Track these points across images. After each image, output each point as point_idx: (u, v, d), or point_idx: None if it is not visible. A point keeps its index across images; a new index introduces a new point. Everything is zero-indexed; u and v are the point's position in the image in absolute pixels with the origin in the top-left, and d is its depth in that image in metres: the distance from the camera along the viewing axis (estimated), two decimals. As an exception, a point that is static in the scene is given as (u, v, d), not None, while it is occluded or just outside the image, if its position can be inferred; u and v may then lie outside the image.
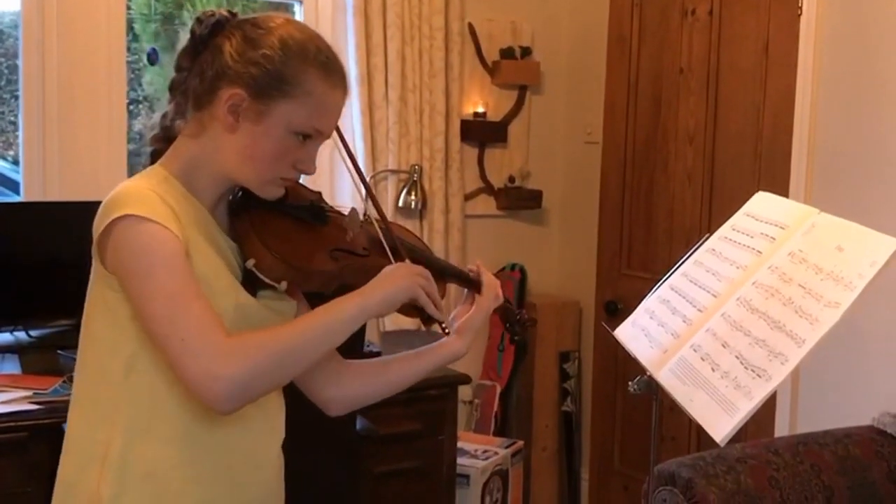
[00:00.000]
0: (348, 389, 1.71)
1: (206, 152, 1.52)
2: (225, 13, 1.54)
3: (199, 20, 1.53)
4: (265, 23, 1.52)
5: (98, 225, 1.45)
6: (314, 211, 1.63)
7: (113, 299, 1.46)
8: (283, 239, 1.55)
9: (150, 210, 1.42)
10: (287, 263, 1.53)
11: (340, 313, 1.48)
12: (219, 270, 1.50)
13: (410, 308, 1.62)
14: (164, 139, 1.58)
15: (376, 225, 1.67)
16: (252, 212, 1.55)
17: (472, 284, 1.77)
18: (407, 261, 1.63)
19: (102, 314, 1.49)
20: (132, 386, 1.47)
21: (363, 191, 1.74)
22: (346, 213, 1.69)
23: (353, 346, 2.16)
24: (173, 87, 1.56)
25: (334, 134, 1.60)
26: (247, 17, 1.55)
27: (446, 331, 1.66)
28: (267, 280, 1.53)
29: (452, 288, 1.89)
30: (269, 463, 1.62)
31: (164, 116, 1.58)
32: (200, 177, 1.53)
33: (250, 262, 1.52)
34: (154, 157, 1.59)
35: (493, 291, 1.76)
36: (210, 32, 1.52)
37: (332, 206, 1.70)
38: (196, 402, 1.45)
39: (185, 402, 1.47)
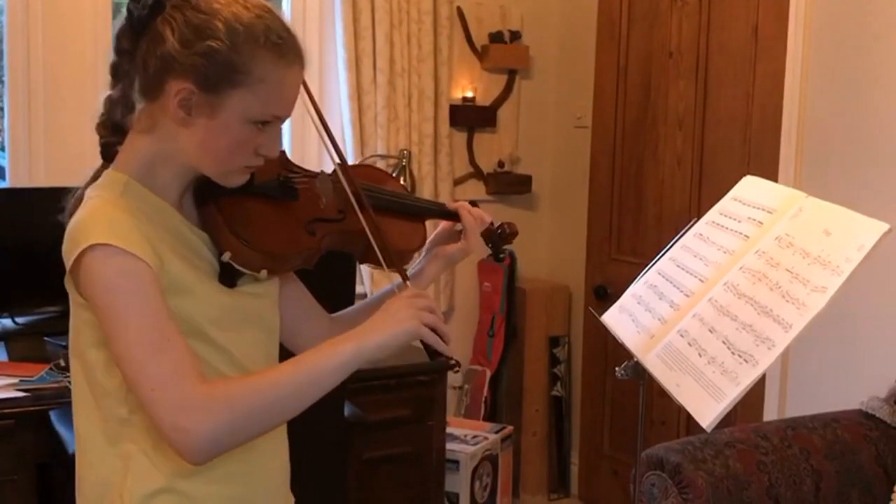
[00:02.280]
0: None
1: (163, 147, 1.43)
2: None
3: None
4: (208, 3, 1.39)
5: (68, 254, 1.37)
6: (283, 186, 1.56)
7: (97, 323, 1.39)
8: (255, 225, 1.49)
9: (119, 236, 1.34)
10: (263, 252, 1.47)
11: (335, 359, 1.39)
12: (195, 280, 1.44)
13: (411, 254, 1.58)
14: (112, 129, 1.49)
15: (346, 186, 1.56)
16: (219, 199, 1.48)
17: (452, 216, 1.73)
18: (409, 287, 1.53)
19: (90, 336, 1.43)
20: (135, 402, 1.41)
21: (331, 145, 1.63)
22: (315, 174, 1.61)
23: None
24: (116, 73, 1.45)
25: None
26: None
27: (456, 369, 1.59)
28: (246, 271, 1.48)
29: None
30: (282, 449, 1.61)
31: (109, 101, 1.48)
32: (161, 174, 1.45)
33: (226, 256, 1.46)
34: (104, 150, 1.50)
35: (474, 224, 1.72)
36: (149, 13, 1.40)
37: (300, 170, 1.61)
38: None
39: None
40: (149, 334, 1.32)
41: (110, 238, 1.33)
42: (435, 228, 1.79)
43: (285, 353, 1.60)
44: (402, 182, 3.89)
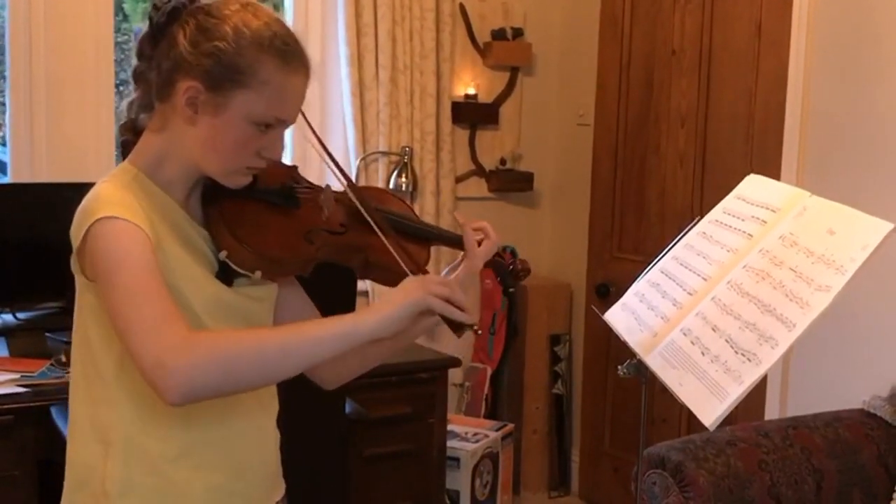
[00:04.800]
0: (346, 364, 1.67)
1: (171, 146, 1.50)
2: None
3: (155, 6, 1.50)
4: (219, 10, 1.48)
5: (75, 236, 1.44)
6: (286, 194, 1.60)
7: (98, 303, 1.45)
8: (254, 228, 1.53)
9: (120, 210, 1.41)
10: (258, 254, 1.51)
11: (327, 328, 1.41)
12: (192, 267, 1.49)
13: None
14: (133, 130, 1.56)
15: (355, 200, 1.60)
16: (222, 201, 1.53)
17: (456, 241, 1.73)
18: (416, 275, 1.53)
19: (91, 316, 1.48)
20: (126, 382, 1.47)
21: (334, 166, 1.66)
22: (321, 188, 1.65)
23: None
24: (136, 76, 1.54)
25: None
26: (203, 3, 1.50)
27: (478, 332, 1.57)
28: (241, 271, 1.52)
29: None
30: (267, 440, 1.63)
31: (130, 105, 1.56)
32: (168, 171, 1.51)
33: (223, 254, 1.51)
34: (125, 148, 1.57)
35: (478, 251, 1.70)
36: (167, 20, 1.48)
37: (307, 183, 1.66)
38: None
39: None
40: (138, 286, 1.37)
41: (113, 211, 1.41)
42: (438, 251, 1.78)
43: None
44: (405, 177, 3.89)
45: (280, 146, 1.53)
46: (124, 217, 1.40)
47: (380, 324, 1.41)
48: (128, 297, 1.37)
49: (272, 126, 1.49)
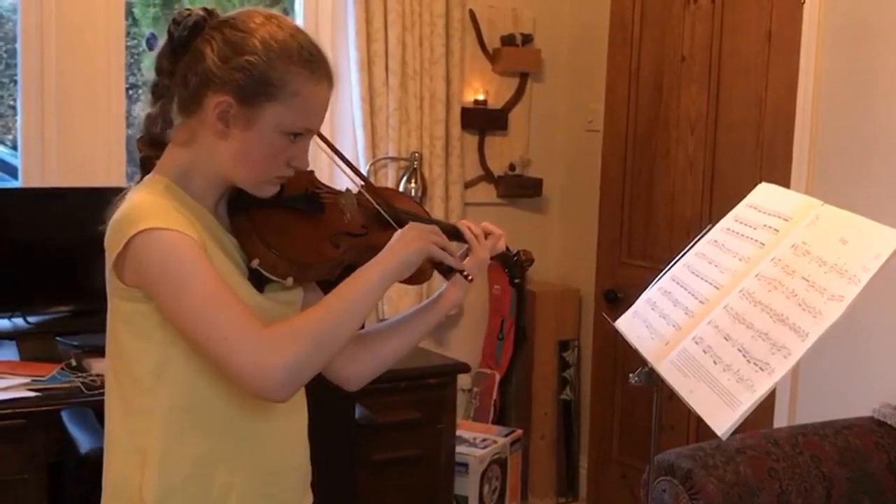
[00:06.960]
0: (364, 363, 1.71)
1: (200, 159, 1.52)
2: (202, 12, 1.50)
3: (175, 21, 1.51)
4: (245, 24, 1.50)
5: (113, 244, 1.45)
6: (310, 200, 1.64)
7: (132, 311, 1.47)
8: (283, 235, 1.56)
9: (165, 220, 1.43)
10: (290, 261, 1.54)
11: (365, 285, 1.50)
12: (230, 272, 1.51)
13: (427, 267, 1.65)
14: (151, 144, 1.57)
15: (373, 202, 1.67)
16: (250, 209, 1.56)
17: (457, 235, 1.76)
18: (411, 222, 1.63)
19: (124, 326, 1.50)
20: (164, 391, 1.49)
21: (347, 168, 1.71)
22: (339, 192, 1.69)
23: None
24: (156, 91, 1.54)
25: None
26: (225, 16, 1.52)
27: (468, 278, 1.67)
28: (273, 278, 1.55)
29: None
30: (298, 444, 1.65)
31: (149, 118, 1.56)
32: (198, 182, 1.53)
33: (255, 262, 1.54)
34: (143, 165, 1.58)
35: (484, 242, 1.73)
36: (189, 35, 1.50)
37: (326, 187, 1.69)
38: (226, 397, 1.49)
39: (216, 398, 1.50)
40: (211, 291, 1.41)
41: (156, 222, 1.43)
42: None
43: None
44: (414, 183, 3.90)
45: (307, 155, 1.56)
46: (171, 227, 1.42)
47: (401, 264, 1.54)
48: (203, 308, 1.40)
49: (301, 136, 1.52)
